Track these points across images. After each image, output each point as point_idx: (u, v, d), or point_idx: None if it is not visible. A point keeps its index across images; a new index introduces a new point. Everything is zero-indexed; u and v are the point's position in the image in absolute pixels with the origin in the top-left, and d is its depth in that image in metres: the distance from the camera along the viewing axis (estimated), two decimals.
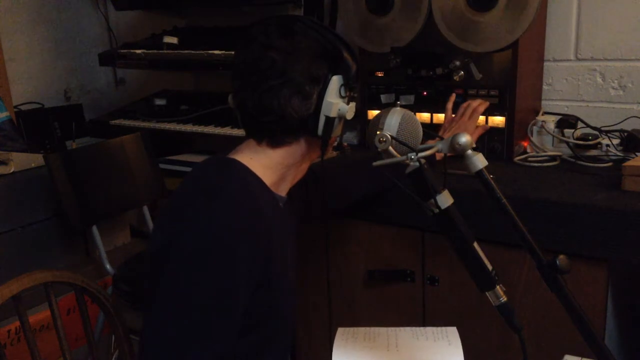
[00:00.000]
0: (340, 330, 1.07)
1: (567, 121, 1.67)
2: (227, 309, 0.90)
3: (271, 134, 1.01)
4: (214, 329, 0.88)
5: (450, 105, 1.63)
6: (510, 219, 0.82)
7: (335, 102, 0.98)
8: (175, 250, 0.89)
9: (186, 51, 2.16)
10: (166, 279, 0.89)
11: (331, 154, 1.80)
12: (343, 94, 1.00)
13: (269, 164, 1.01)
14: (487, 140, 1.63)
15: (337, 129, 1.02)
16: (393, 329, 1.07)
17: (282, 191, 1.06)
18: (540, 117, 1.69)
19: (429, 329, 1.07)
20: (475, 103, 1.58)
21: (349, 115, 1.01)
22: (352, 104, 1.01)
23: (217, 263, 0.88)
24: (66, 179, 1.85)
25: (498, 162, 1.60)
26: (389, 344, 1.02)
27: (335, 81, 0.99)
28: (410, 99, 1.72)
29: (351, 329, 1.07)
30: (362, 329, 1.07)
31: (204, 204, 0.90)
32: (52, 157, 1.83)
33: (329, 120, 0.98)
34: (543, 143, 1.69)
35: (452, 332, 1.04)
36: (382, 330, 1.07)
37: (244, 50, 1.00)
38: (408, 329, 1.07)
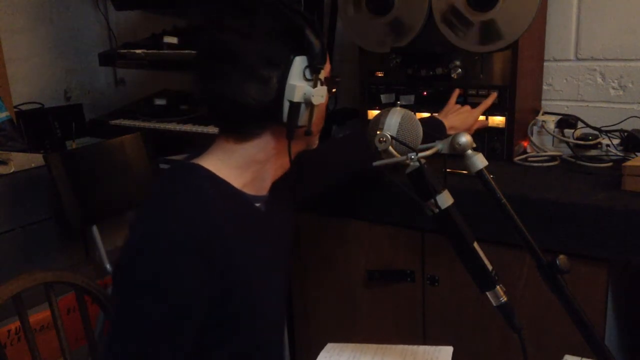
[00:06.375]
0: (328, 346, 1.01)
1: (567, 121, 1.67)
2: (177, 328, 0.86)
3: (234, 126, 0.94)
4: (164, 349, 0.86)
5: (453, 99, 1.59)
6: (510, 219, 0.82)
7: (300, 85, 0.89)
8: (126, 270, 0.87)
9: (186, 51, 2.15)
10: (119, 300, 0.88)
11: None
12: (308, 76, 0.90)
13: (238, 164, 0.95)
14: (487, 140, 1.63)
15: (305, 116, 0.92)
16: (382, 347, 1.01)
17: (262, 190, 0.99)
18: (540, 117, 1.69)
19: (421, 348, 0.99)
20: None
21: (316, 100, 0.91)
22: (322, 88, 0.92)
23: (163, 283, 0.84)
24: (66, 179, 1.85)
25: (498, 162, 1.60)
26: None
27: (299, 63, 0.90)
28: (410, 99, 1.72)
29: (338, 345, 1.02)
30: (350, 346, 1.01)
31: (152, 221, 0.88)
32: (52, 157, 1.83)
33: (294, 106, 0.90)
34: (543, 143, 1.69)
35: (445, 353, 0.97)
36: (372, 348, 1.01)
37: (200, 36, 0.94)
38: (399, 347, 1.00)
